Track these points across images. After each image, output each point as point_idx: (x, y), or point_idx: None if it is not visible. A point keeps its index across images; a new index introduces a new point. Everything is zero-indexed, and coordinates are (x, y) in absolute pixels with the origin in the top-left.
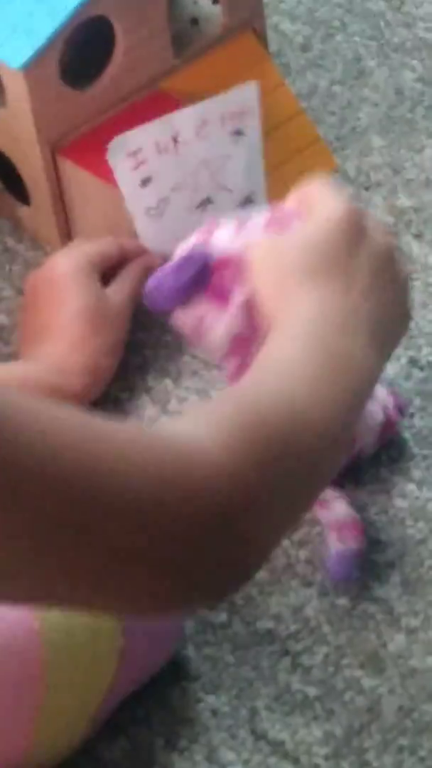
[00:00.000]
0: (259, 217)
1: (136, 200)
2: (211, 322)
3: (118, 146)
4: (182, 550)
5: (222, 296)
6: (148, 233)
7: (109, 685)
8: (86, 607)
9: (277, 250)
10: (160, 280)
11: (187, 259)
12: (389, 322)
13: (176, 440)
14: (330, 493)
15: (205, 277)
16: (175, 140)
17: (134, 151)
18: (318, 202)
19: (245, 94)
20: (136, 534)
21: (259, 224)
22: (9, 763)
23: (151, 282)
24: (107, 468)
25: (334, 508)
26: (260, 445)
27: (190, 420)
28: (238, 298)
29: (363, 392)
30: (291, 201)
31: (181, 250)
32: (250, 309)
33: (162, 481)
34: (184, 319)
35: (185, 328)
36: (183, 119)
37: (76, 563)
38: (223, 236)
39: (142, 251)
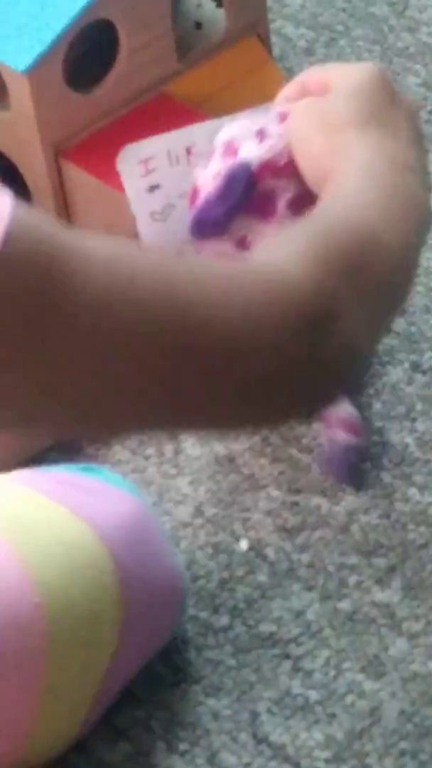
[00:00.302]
0: (274, 118)
1: (141, 204)
2: (254, 237)
3: (131, 153)
4: (274, 371)
5: (266, 206)
6: (151, 236)
7: (110, 660)
8: (194, 429)
9: (319, 108)
10: (207, 207)
11: (232, 178)
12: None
13: (260, 269)
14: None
15: (249, 190)
16: (188, 151)
17: (146, 159)
18: (337, 73)
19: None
20: (226, 366)
21: (277, 124)
22: (13, 740)
23: (200, 213)
24: (200, 302)
25: (339, 405)
26: (339, 260)
27: (272, 249)
28: (283, 198)
29: (425, 228)
30: (295, 89)
31: (211, 175)
32: (297, 207)
33: (245, 308)
34: (221, 244)
35: (224, 252)
36: (201, 132)
37: (178, 390)
38: (251, 149)
39: None
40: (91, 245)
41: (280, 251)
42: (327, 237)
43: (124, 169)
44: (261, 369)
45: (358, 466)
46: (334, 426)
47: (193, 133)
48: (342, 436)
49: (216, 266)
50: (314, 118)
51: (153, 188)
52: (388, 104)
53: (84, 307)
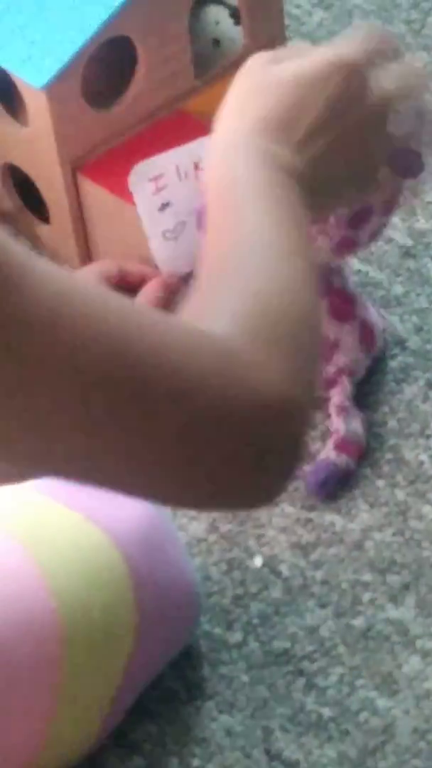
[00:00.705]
0: None
1: (153, 223)
2: None
3: (141, 172)
4: (231, 444)
5: None
6: (163, 255)
7: (125, 665)
8: (120, 487)
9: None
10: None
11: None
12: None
13: (214, 339)
14: (351, 408)
15: None
16: (196, 166)
17: (156, 176)
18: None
19: None
20: (184, 429)
21: None
22: (29, 748)
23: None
24: (157, 360)
25: (346, 420)
26: (286, 346)
27: (208, 315)
28: None
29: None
30: None
31: None
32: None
33: (205, 370)
34: None
35: None
36: (207, 147)
37: (117, 443)
38: None
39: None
40: (42, 269)
41: (220, 322)
42: (265, 312)
43: (137, 188)
44: (212, 443)
45: (332, 486)
46: (335, 441)
47: (200, 148)
48: (333, 455)
49: (176, 326)
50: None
51: (164, 206)
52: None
53: (25, 323)
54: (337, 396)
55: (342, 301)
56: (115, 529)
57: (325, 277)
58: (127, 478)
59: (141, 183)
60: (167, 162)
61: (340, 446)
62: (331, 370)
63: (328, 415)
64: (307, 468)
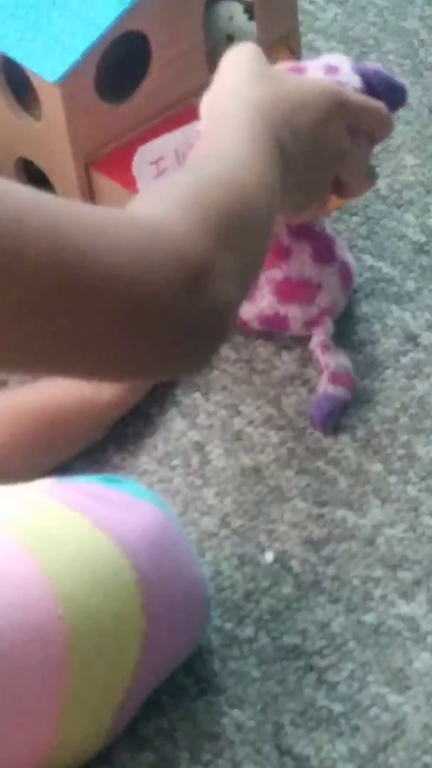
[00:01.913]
0: None
1: None
2: None
3: (142, 156)
4: (157, 315)
5: None
6: None
7: (133, 671)
8: (73, 372)
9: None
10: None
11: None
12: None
13: (142, 218)
14: (333, 346)
15: None
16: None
17: (157, 159)
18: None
19: None
20: (114, 304)
21: None
22: (36, 752)
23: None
24: (84, 243)
25: (334, 356)
26: (215, 218)
27: (149, 203)
28: None
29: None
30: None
31: None
32: None
33: (135, 253)
34: None
35: None
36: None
37: (62, 332)
38: None
39: None
40: None
41: (159, 206)
42: (204, 194)
43: (139, 172)
44: (140, 316)
45: (336, 417)
46: (328, 376)
47: (196, 128)
48: (330, 388)
49: (105, 214)
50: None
51: None
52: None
53: None
54: (321, 335)
55: (323, 244)
56: (123, 536)
57: (309, 223)
58: (68, 360)
59: (143, 167)
60: (167, 145)
61: (335, 379)
62: (314, 311)
63: (313, 359)
64: (309, 406)
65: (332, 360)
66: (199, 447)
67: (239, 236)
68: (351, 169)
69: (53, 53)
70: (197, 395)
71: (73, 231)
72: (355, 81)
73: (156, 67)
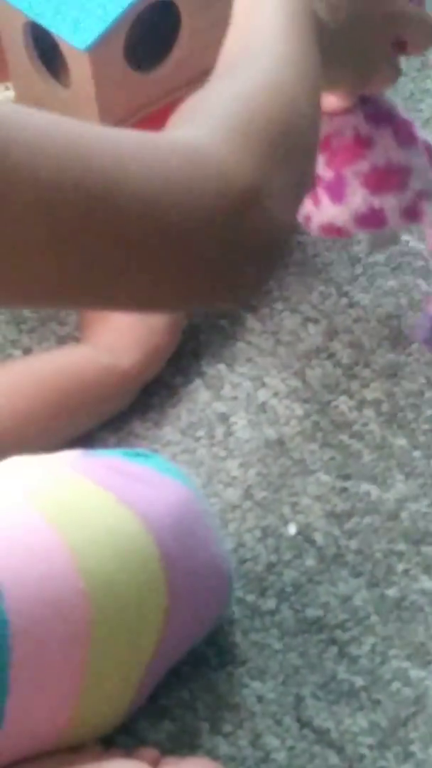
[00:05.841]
0: None
1: None
2: None
3: None
4: (204, 241)
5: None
6: None
7: (155, 647)
8: (113, 303)
9: None
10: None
11: None
12: None
13: (181, 142)
14: None
15: None
16: None
17: None
18: None
19: None
20: (155, 233)
21: None
22: (57, 724)
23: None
24: (121, 172)
25: None
26: (261, 133)
27: (187, 123)
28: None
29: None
30: None
31: None
32: None
33: (175, 179)
34: None
35: None
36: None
37: (99, 262)
38: None
39: None
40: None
41: (198, 126)
42: (246, 106)
43: None
44: (183, 244)
45: None
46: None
47: None
48: None
49: (137, 138)
50: None
51: None
52: None
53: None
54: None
55: (403, 127)
56: (147, 512)
57: (385, 108)
58: (111, 290)
59: None
60: None
61: None
62: (409, 195)
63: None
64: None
65: None
66: (224, 418)
67: (287, 149)
68: (409, 22)
69: (83, 21)
70: (222, 366)
71: (101, 158)
72: None
73: (185, 35)
